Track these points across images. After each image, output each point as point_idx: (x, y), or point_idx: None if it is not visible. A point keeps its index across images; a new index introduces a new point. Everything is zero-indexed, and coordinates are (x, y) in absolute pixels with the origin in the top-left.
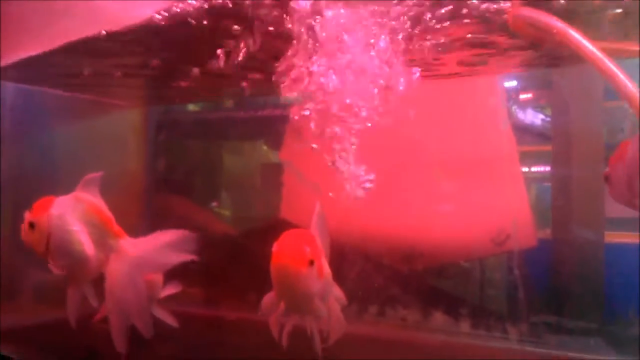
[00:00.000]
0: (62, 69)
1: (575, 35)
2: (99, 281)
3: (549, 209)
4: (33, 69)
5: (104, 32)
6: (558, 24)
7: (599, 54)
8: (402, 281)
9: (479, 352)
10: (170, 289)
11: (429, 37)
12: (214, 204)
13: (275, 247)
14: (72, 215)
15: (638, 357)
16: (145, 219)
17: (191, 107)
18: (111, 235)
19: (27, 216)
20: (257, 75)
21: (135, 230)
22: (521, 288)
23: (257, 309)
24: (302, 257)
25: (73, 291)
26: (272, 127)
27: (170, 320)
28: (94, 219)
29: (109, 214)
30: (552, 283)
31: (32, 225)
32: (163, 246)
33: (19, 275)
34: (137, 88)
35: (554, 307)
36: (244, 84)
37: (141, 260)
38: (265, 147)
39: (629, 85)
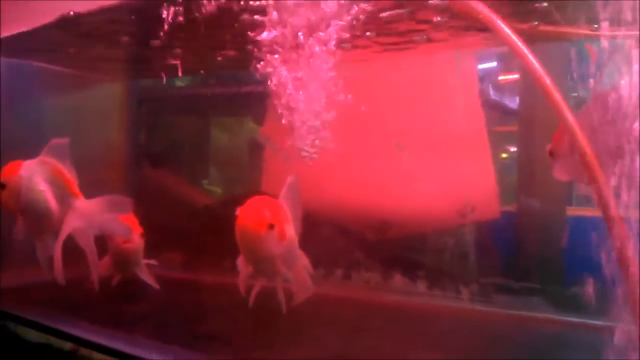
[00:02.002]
0: (48, 44)
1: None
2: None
3: (514, 184)
4: (21, 44)
5: (71, 13)
6: (483, 9)
7: (514, 37)
8: (367, 248)
9: (434, 311)
10: (150, 261)
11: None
12: (206, 181)
13: (238, 211)
14: (39, 176)
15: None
16: (126, 191)
17: (174, 82)
18: (71, 195)
19: None
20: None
21: None
22: (482, 255)
23: (231, 272)
24: (261, 220)
25: (41, 242)
26: (256, 102)
27: (152, 283)
28: (57, 180)
29: (70, 176)
30: (513, 251)
31: (2, 185)
32: (108, 206)
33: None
34: (121, 62)
35: (511, 273)
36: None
37: (92, 216)
38: (250, 123)
39: (534, 61)
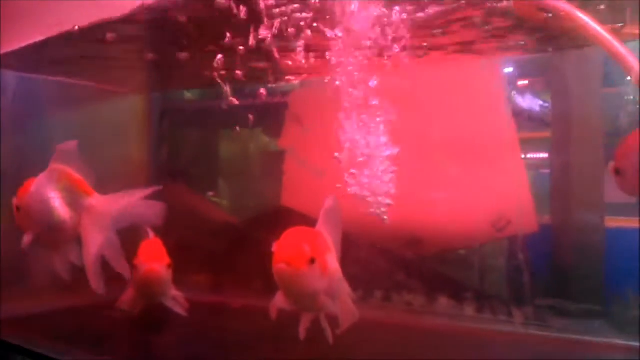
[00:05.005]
0: (61, 56)
1: (582, 16)
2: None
3: (549, 195)
4: (33, 57)
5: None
6: (565, 6)
7: (605, 33)
8: (407, 267)
9: (482, 335)
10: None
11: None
12: (211, 193)
13: (275, 247)
14: (49, 187)
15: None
16: None
17: (193, 94)
18: (82, 194)
19: (14, 202)
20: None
21: None
22: (523, 272)
23: (260, 296)
24: (302, 257)
25: (60, 254)
26: (273, 114)
27: (180, 310)
28: (66, 185)
29: (78, 176)
30: (554, 267)
31: (18, 208)
32: (130, 201)
33: (26, 262)
34: (139, 74)
35: (555, 291)
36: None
37: (109, 214)
38: (265, 135)
39: (635, 64)
